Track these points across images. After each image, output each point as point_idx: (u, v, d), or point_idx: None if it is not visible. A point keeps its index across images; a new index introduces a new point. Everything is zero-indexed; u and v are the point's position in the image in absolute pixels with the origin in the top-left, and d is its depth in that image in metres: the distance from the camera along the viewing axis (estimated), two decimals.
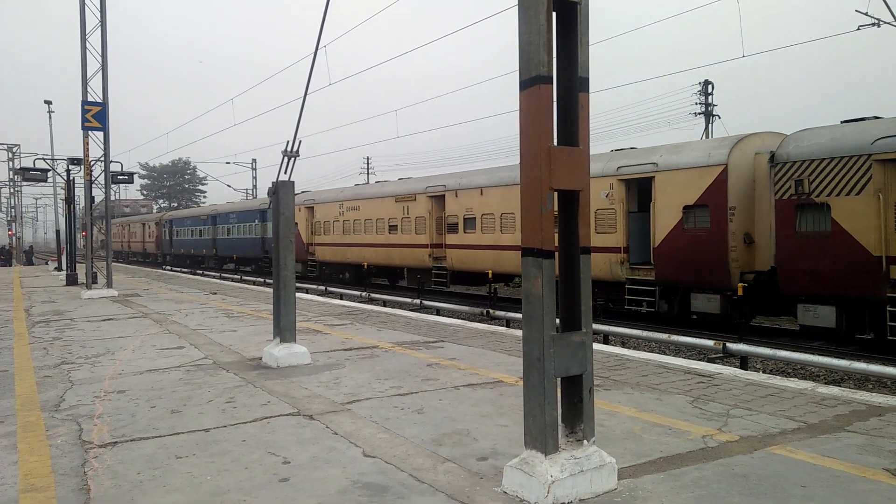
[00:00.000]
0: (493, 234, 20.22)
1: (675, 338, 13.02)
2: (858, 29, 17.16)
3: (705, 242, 14.49)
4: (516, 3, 4.08)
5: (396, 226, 25.02)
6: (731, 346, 11.87)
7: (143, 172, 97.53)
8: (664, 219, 15.31)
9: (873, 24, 16.63)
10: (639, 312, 16.33)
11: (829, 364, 10.73)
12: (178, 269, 43.88)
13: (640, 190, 16.46)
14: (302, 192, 33.63)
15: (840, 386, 9.47)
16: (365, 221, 27.05)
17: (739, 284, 13.88)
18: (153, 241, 56.09)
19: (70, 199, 26.47)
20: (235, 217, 40.16)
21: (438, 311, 18.77)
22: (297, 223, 31.33)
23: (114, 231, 64.63)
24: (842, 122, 13.25)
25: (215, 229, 43.16)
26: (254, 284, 27.31)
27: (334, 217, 29.50)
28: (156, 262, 54.27)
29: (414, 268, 24.54)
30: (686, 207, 14.87)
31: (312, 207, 31.53)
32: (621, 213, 16.32)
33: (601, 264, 16.45)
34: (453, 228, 22.01)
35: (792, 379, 8.05)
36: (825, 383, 9.98)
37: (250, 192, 65.87)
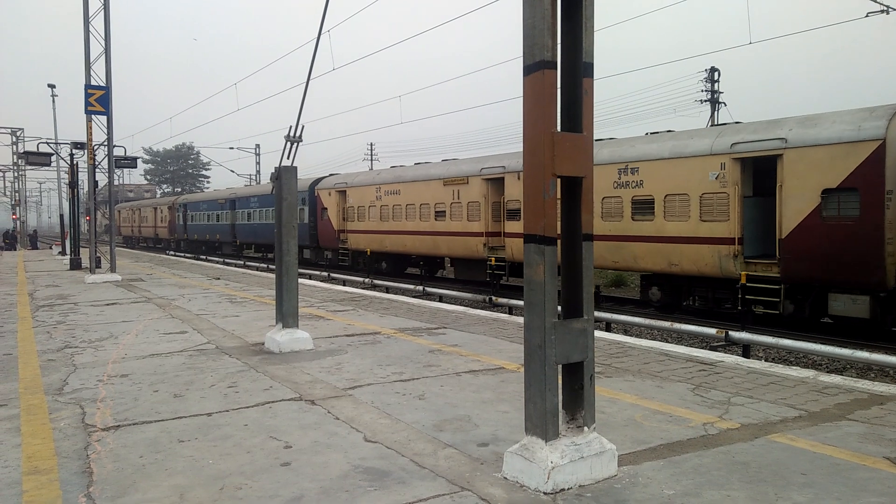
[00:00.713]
0: None
1: (677, 326, 13.06)
2: (867, 16, 17.01)
3: (853, 233, 12.19)
4: None
5: (444, 212, 22.43)
6: (734, 334, 11.89)
7: (147, 157, 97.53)
8: (795, 205, 12.94)
9: (882, 12, 16.47)
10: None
11: (831, 353, 10.72)
12: (182, 254, 43.67)
13: (755, 170, 14.26)
14: (331, 174, 32.31)
15: (842, 375, 9.45)
16: (406, 207, 24.37)
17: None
18: (165, 226, 53.78)
19: (74, 184, 26.49)
20: (257, 201, 37.44)
21: (441, 298, 18.83)
22: (326, 208, 29.63)
23: (123, 216, 64.67)
24: None
25: (234, 214, 40.71)
26: (257, 270, 27.38)
27: (370, 202, 26.66)
28: (169, 248, 52.42)
29: (463, 258, 22.32)
30: (826, 191, 12.52)
31: (344, 192, 28.61)
32: (735, 197, 13.90)
33: (707, 258, 14.38)
34: (514, 215, 19.19)
35: (794, 367, 8.05)
36: (827, 372, 9.99)
37: (254, 177, 65.91)
